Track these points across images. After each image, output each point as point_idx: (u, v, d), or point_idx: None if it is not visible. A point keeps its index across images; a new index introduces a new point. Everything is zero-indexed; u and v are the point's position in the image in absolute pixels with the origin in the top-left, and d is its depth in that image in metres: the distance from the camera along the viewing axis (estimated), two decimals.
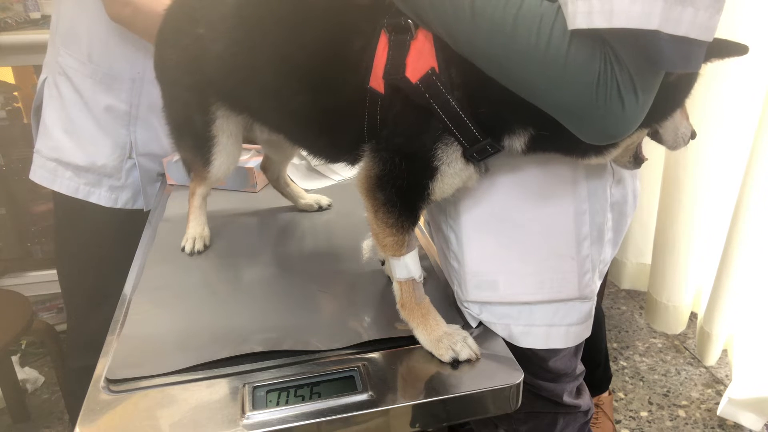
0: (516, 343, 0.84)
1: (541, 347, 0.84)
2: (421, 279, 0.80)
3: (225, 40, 0.87)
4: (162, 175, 1.43)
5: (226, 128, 0.99)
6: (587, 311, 0.85)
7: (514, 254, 0.81)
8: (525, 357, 0.81)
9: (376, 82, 0.71)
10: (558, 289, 0.82)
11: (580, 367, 0.99)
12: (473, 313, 0.85)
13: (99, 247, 1.38)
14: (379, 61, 0.71)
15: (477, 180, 0.76)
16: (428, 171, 0.73)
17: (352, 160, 0.81)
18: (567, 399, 0.96)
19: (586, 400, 1.01)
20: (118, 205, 1.38)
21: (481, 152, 0.72)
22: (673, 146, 0.77)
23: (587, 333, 0.87)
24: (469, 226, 0.82)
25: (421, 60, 0.69)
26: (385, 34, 0.71)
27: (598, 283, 0.86)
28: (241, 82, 0.89)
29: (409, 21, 0.69)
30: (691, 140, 0.77)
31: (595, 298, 0.86)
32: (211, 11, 0.89)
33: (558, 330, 0.84)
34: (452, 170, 0.73)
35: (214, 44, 0.88)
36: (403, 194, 0.75)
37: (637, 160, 0.79)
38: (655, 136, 0.77)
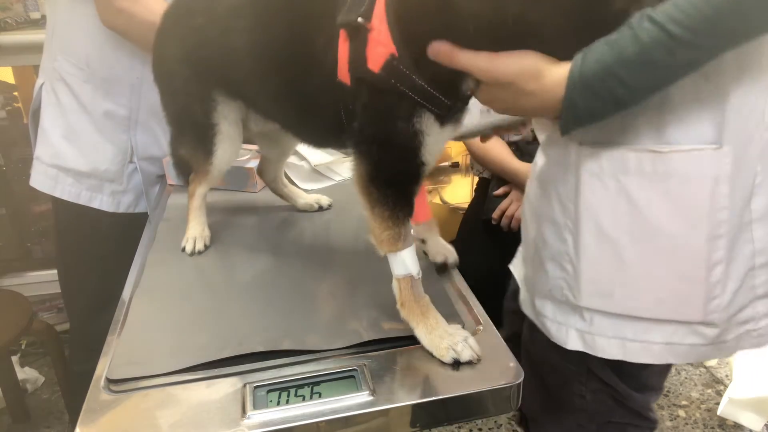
0: (626, 358, 0.80)
1: (654, 362, 0.80)
2: (419, 276, 0.80)
3: (220, 25, 0.91)
4: (162, 177, 1.43)
5: (227, 114, 1.01)
6: (713, 336, 0.78)
7: (634, 268, 0.77)
8: (617, 364, 0.80)
9: (343, 75, 0.75)
10: (678, 310, 0.77)
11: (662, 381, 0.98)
12: (584, 318, 0.82)
13: (101, 252, 1.38)
14: (342, 55, 0.74)
15: (456, 130, 0.79)
16: (412, 147, 0.75)
17: (338, 145, 0.86)
18: (649, 413, 0.95)
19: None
20: (120, 210, 1.37)
21: (453, 112, 0.75)
22: None
23: (716, 355, 0.80)
24: (589, 232, 0.79)
25: (379, 48, 0.71)
26: (343, 30, 0.74)
27: (757, 308, 0.78)
28: (234, 66, 0.92)
29: (360, 19, 0.71)
30: None
31: (732, 325, 0.78)
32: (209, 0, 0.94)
33: (678, 348, 0.79)
34: (433, 138, 0.75)
35: (211, 30, 0.92)
36: (394, 178, 0.77)
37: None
38: None
